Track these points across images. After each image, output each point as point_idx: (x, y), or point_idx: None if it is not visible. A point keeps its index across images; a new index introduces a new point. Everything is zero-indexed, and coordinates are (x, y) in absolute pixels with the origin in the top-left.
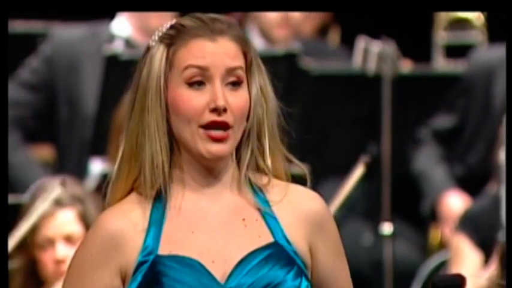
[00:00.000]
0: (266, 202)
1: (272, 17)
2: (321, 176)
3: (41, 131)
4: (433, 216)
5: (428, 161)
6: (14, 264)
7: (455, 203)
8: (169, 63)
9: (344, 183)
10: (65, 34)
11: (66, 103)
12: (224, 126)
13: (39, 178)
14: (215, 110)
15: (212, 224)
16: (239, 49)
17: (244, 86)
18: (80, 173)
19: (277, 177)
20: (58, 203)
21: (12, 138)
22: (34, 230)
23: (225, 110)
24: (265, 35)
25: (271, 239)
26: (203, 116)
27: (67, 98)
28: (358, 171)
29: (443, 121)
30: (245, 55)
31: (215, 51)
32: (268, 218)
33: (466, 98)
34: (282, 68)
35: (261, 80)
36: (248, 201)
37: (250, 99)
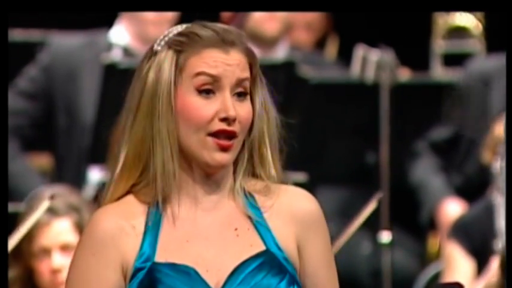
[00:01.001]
0: (258, 210)
1: (257, 14)
2: (320, 184)
3: (39, 140)
4: (431, 225)
5: (425, 172)
6: (10, 273)
7: (453, 210)
8: (180, 69)
9: (355, 218)
10: (63, 43)
11: (65, 112)
12: (232, 135)
13: (38, 187)
14: (225, 120)
15: (206, 234)
16: (247, 61)
17: (248, 97)
18: (78, 181)
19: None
20: (53, 213)
21: (10, 147)
22: (30, 239)
23: (234, 120)
24: (257, 36)
25: (263, 248)
26: (212, 125)
27: (65, 106)
28: (371, 207)
29: (440, 132)
30: (251, 68)
31: (227, 62)
32: (260, 226)
33: (462, 108)
34: (281, 77)
35: (264, 92)
36: (241, 210)
37: (253, 111)
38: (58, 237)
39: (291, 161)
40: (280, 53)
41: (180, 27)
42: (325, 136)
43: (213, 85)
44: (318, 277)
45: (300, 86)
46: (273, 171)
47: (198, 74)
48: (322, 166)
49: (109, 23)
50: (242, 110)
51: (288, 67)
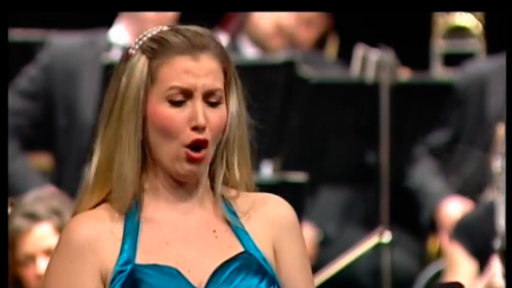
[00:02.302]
0: (234, 214)
1: (266, 27)
2: (320, 184)
3: (39, 140)
4: (432, 227)
5: (424, 175)
6: None
7: (454, 209)
8: (152, 77)
9: (355, 248)
10: (63, 43)
11: (64, 111)
12: (204, 144)
13: (38, 186)
14: (196, 128)
15: (185, 236)
16: (220, 67)
17: (223, 104)
18: (78, 181)
19: (240, 188)
20: (34, 218)
21: (10, 146)
22: (13, 248)
23: (203, 129)
24: (260, 45)
25: (241, 249)
26: (185, 134)
27: (65, 106)
28: (373, 241)
29: (439, 136)
30: (225, 72)
31: (198, 72)
32: (237, 229)
33: (459, 110)
34: (281, 76)
35: (238, 94)
36: (218, 213)
37: (227, 115)
38: (41, 242)
39: (291, 161)
40: (280, 53)
41: (154, 31)
42: (325, 136)
43: (185, 95)
44: (295, 281)
45: (300, 85)
46: (244, 174)
47: (171, 88)
48: (322, 166)
49: (109, 23)
50: (214, 116)
51: (288, 67)
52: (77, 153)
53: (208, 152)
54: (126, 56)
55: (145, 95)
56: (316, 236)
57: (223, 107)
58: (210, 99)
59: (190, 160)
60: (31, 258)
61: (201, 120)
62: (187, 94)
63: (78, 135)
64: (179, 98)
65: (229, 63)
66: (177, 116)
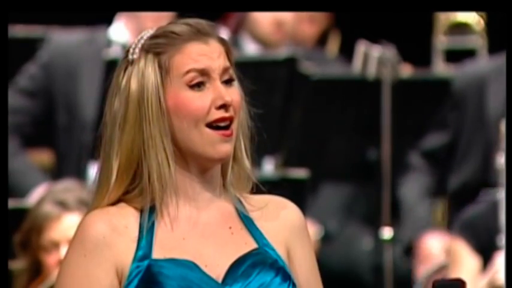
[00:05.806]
0: (246, 211)
1: (266, 24)
2: (321, 181)
3: (40, 137)
4: (407, 252)
5: (412, 194)
6: (18, 265)
7: (433, 244)
8: (165, 70)
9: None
10: (63, 40)
11: (65, 109)
12: (231, 120)
13: (39, 183)
14: (222, 107)
15: (202, 232)
16: (224, 50)
17: (235, 83)
18: (79, 178)
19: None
20: (65, 207)
21: (11, 144)
22: (40, 232)
23: (230, 106)
24: (261, 41)
25: (255, 245)
26: (210, 115)
27: (65, 103)
28: None
29: (436, 140)
30: (228, 56)
31: (210, 54)
32: (251, 227)
33: (457, 111)
34: (283, 73)
35: (238, 79)
36: (232, 209)
37: None
38: (68, 231)
39: (292, 158)
40: (281, 49)
41: (149, 32)
42: (326, 132)
43: (203, 77)
44: (309, 282)
45: (301, 82)
46: (247, 163)
47: (188, 72)
48: (323, 162)
49: (108, 20)
50: (233, 94)
51: (289, 63)
52: (78, 150)
53: (235, 132)
54: (126, 64)
55: (163, 89)
56: (318, 233)
57: (236, 85)
58: (224, 77)
59: (223, 139)
60: (55, 245)
61: (227, 98)
62: (205, 75)
63: (79, 132)
64: (198, 79)
65: (230, 48)
66: (200, 98)
